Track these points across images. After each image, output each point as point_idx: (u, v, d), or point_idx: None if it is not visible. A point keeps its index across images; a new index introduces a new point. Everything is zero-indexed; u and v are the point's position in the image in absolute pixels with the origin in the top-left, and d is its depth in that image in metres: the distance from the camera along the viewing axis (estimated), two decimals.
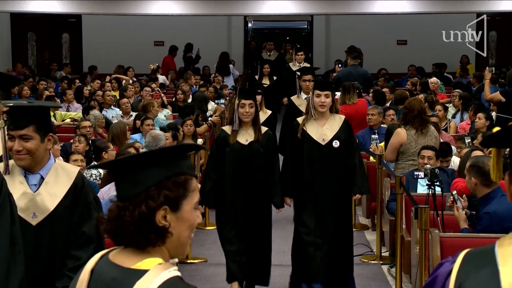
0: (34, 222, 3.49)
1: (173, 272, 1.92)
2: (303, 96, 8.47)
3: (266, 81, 12.74)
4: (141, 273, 1.91)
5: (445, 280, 1.78)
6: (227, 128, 6.19)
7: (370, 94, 10.73)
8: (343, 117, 6.25)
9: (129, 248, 1.98)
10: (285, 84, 11.78)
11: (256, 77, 13.42)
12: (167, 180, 1.98)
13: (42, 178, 3.55)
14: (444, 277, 1.79)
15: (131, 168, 2.00)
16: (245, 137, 6.06)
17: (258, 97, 7.86)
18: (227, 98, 13.44)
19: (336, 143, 6.03)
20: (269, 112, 8.45)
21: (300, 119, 6.25)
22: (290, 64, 12.47)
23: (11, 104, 3.50)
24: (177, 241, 1.99)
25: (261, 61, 14.15)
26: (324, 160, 6.06)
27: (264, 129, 6.18)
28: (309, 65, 12.74)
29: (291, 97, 8.78)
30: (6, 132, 3.52)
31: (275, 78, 13.15)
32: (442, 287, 1.78)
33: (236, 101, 6.09)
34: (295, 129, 6.20)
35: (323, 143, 6.06)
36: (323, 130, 6.09)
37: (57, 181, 3.55)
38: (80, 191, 3.57)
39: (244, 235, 6.04)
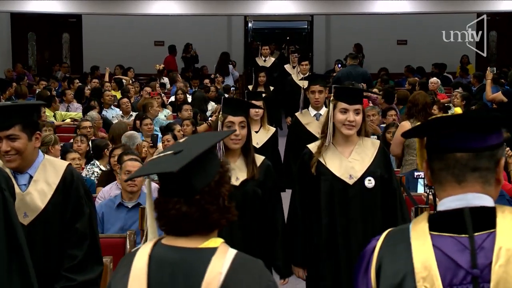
0: (25, 221, 3.46)
1: (234, 249, 2.16)
2: (312, 112, 6.81)
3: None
4: (212, 250, 2.11)
5: (370, 255, 2.06)
6: None
7: (380, 92, 10.70)
8: (377, 142, 4.42)
9: (196, 234, 2.14)
10: (287, 99, 10.34)
11: (250, 87, 11.56)
12: (221, 166, 2.22)
13: (31, 177, 3.52)
14: (370, 252, 2.07)
15: (201, 161, 2.14)
16: (235, 174, 4.12)
17: (260, 111, 6.66)
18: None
19: (370, 182, 4.19)
20: (273, 129, 6.87)
21: (313, 146, 4.34)
22: (293, 76, 10.97)
23: None
24: None
25: (255, 68, 12.29)
26: (352, 207, 4.19)
27: (259, 158, 4.27)
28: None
29: (296, 114, 6.99)
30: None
31: (271, 88, 11.40)
32: (368, 261, 2.07)
33: (220, 118, 4.22)
34: (305, 161, 4.31)
35: (350, 182, 4.20)
36: (350, 162, 4.23)
37: (46, 178, 3.52)
38: (70, 186, 3.54)
39: None
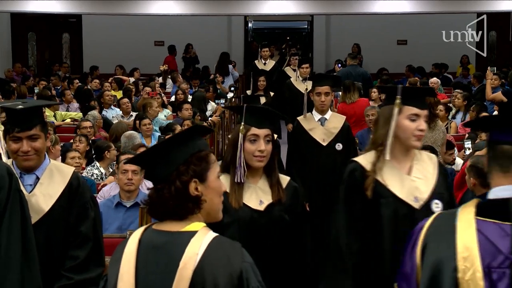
0: None
1: (215, 233, 2.31)
2: (316, 116, 6.23)
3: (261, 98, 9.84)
4: (192, 233, 2.28)
5: (417, 234, 2.29)
6: (222, 180, 3.05)
7: (374, 93, 10.70)
8: (434, 156, 3.61)
9: (171, 219, 2.33)
10: (287, 105, 9.53)
11: (248, 92, 10.77)
12: (191, 157, 2.35)
13: (38, 178, 3.54)
14: (418, 231, 2.30)
15: (162, 152, 2.34)
16: (257, 196, 3.53)
17: None
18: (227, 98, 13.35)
19: (437, 206, 3.40)
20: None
21: (363, 161, 3.48)
22: (292, 79, 10.21)
23: (21, 106, 3.47)
24: (210, 207, 2.37)
25: (254, 72, 11.44)
26: None
27: (285, 179, 3.64)
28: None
29: (298, 118, 6.31)
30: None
31: (272, 94, 10.74)
32: (415, 240, 2.28)
33: (242, 129, 3.51)
34: (357, 179, 3.44)
35: (416, 206, 3.38)
36: (413, 181, 3.43)
37: (52, 182, 3.54)
38: (76, 191, 3.57)
39: None
